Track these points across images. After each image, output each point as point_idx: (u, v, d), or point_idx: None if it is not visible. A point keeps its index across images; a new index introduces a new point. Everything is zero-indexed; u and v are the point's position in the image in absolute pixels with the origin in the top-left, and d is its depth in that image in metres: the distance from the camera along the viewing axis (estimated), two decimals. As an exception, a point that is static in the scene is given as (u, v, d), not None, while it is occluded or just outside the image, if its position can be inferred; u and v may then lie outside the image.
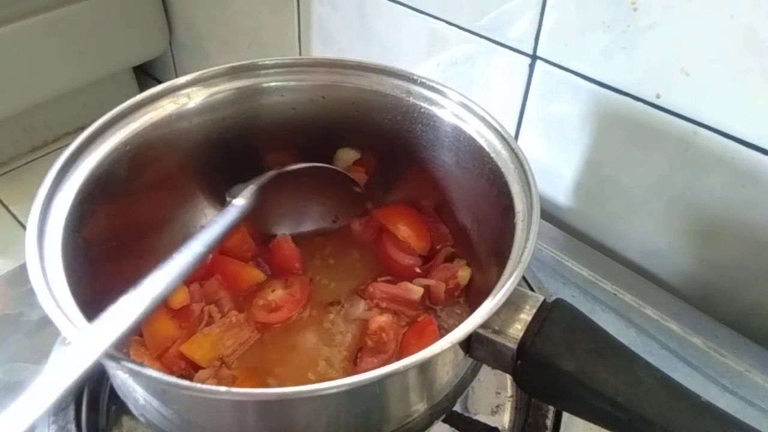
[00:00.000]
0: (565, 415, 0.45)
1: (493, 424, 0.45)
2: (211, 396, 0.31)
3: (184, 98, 0.47)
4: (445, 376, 0.37)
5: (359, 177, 0.54)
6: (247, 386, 0.39)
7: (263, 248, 0.54)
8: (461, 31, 0.62)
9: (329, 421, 0.34)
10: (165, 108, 0.46)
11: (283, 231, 0.54)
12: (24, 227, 0.36)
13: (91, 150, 0.42)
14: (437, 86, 0.47)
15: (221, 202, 0.54)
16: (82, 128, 0.42)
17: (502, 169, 0.42)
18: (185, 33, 1.01)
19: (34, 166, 0.95)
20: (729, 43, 0.45)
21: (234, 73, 0.49)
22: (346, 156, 0.54)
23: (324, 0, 0.74)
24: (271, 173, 0.49)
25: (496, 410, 0.47)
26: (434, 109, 0.47)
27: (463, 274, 0.49)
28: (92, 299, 0.37)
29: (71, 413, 0.44)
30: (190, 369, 0.45)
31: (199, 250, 0.39)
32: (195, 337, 0.46)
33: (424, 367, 0.35)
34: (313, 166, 0.51)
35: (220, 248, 0.51)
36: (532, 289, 0.52)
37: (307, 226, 0.55)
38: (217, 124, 0.50)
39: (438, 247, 0.53)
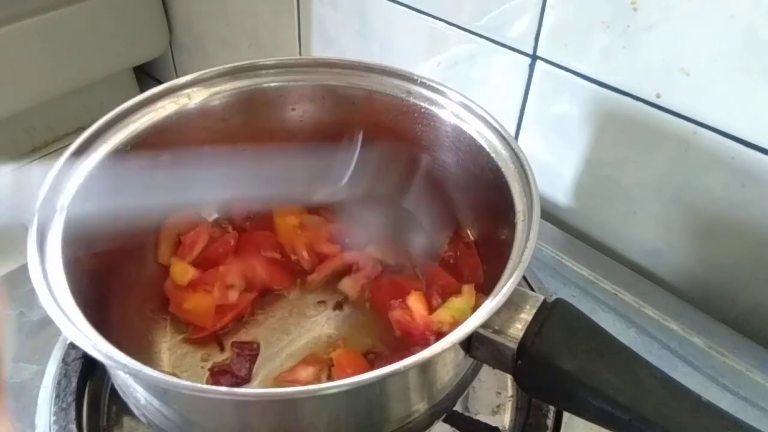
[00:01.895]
0: (566, 415, 0.45)
1: (493, 424, 0.45)
2: (211, 396, 0.31)
3: (185, 98, 0.47)
4: (446, 376, 0.37)
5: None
6: None
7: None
8: (461, 31, 0.62)
9: (329, 421, 0.34)
10: (165, 108, 0.46)
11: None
12: (24, 227, 0.37)
13: (91, 150, 0.42)
14: (437, 86, 0.47)
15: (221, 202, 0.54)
16: (82, 128, 0.42)
17: (502, 169, 0.42)
18: (185, 33, 1.01)
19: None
20: (729, 43, 0.45)
21: (234, 73, 0.49)
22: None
23: (324, 0, 0.74)
24: None
25: (497, 410, 0.47)
26: (434, 109, 0.47)
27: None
28: (92, 299, 0.38)
29: (72, 413, 0.44)
30: None
31: None
32: None
33: (425, 367, 0.35)
34: None
35: None
36: (532, 289, 0.52)
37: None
38: (218, 124, 0.50)
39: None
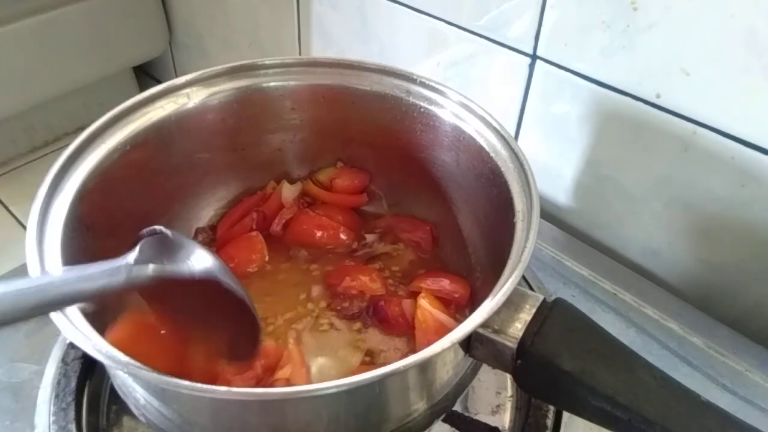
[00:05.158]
0: (565, 415, 0.45)
1: (493, 424, 0.45)
2: (211, 396, 0.31)
3: (184, 98, 0.47)
4: (445, 376, 0.37)
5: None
6: None
7: None
8: (461, 31, 0.62)
9: (329, 421, 0.34)
10: (165, 108, 0.46)
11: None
12: (24, 227, 0.36)
13: (91, 150, 0.42)
14: (437, 86, 0.47)
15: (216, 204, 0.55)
16: (82, 128, 0.42)
17: (502, 169, 0.42)
18: (185, 33, 1.01)
19: (34, 166, 0.95)
20: (729, 43, 0.45)
21: (234, 73, 0.49)
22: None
23: (324, 0, 0.74)
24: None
25: (497, 410, 0.47)
26: (434, 109, 0.47)
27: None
28: (92, 299, 0.37)
29: (72, 413, 0.44)
30: None
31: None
32: None
33: (424, 366, 0.35)
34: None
35: None
36: (532, 289, 0.52)
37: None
38: (217, 124, 0.50)
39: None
